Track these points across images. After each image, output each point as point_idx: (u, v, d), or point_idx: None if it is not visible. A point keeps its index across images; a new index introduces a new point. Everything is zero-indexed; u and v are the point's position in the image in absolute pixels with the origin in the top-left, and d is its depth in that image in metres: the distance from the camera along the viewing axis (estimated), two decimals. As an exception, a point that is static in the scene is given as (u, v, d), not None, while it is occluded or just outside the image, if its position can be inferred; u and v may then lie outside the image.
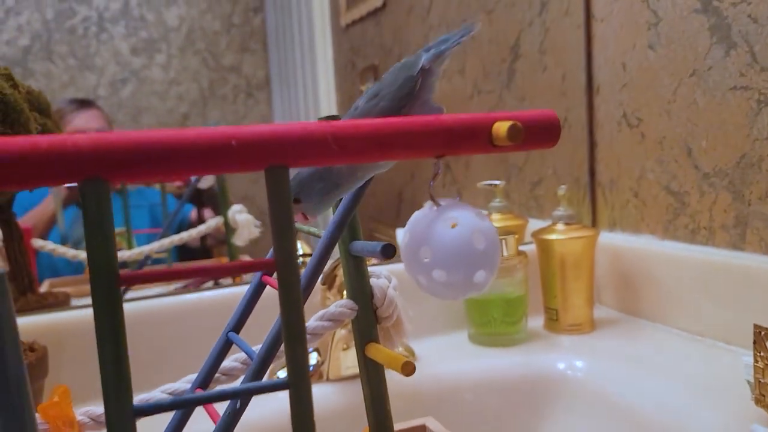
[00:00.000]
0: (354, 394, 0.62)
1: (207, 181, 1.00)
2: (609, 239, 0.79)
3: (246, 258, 0.96)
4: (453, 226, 0.25)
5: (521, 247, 0.75)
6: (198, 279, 0.93)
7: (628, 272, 0.77)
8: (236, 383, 0.38)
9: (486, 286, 0.26)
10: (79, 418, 0.37)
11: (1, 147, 0.21)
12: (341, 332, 0.63)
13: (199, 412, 0.39)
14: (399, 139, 0.26)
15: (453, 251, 0.25)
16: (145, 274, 0.23)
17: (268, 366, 0.34)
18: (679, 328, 0.70)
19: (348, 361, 0.64)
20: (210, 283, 0.92)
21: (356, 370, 0.65)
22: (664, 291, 0.72)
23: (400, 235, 0.86)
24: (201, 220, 0.97)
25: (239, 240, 0.91)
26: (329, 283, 0.64)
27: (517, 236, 0.71)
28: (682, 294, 0.69)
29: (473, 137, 0.27)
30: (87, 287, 0.83)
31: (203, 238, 0.99)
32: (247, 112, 1.20)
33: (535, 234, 0.75)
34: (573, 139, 0.84)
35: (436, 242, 0.25)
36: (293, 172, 0.29)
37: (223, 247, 0.99)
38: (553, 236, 0.73)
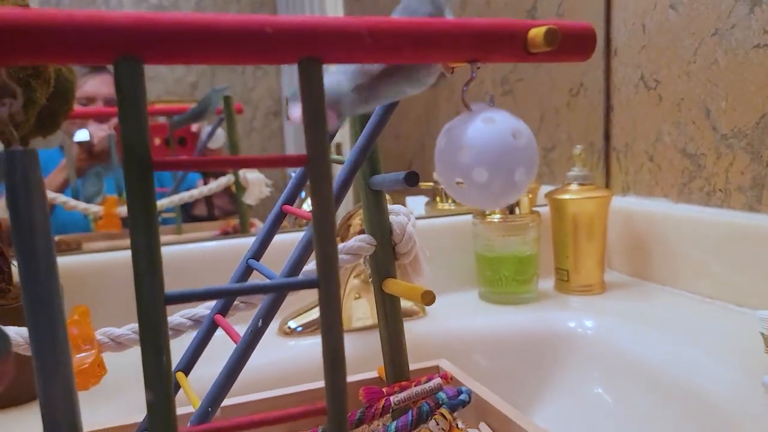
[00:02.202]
0: (366, 344, 0.62)
1: (217, 142, 0.99)
2: (622, 203, 0.79)
3: (256, 221, 0.96)
4: (490, 122, 0.25)
5: (534, 208, 0.75)
6: (216, 235, 0.93)
7: (640, 236, 0.76)
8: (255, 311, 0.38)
9: (525, 187, 0.26)
10: (98, 337, 0.37)
11: (36, 17, 0.21)
12: (354, 281, 0.63)
13: (217, 345, 0.39)
14: (434, 38, 0.26)
15: (493, 146, 0.25)
16: (176, 161, 0.23)
17: (299, 272, 0.34)
18: (690, 290, 0.70)
19: (359, 312, 0.64)
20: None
21: (368, 321, 0.65)
22: (676, 254, 0.71)
23: (411, 202, 0.86)
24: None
25: (249, 199, 0.90)
26: (343, 233, 0.64)
27: (530, 196, 0.71)
28: (695, 257, 0.69)
29: (509, 42, 0.27)
30: (95, 244, 0.83)
31: (211, 207, 0.99)
32: (256, 83, 1.19)
33: (549, 194, 0.75)
34: (589, 103, 0.84)
35: (475, 140, 0.25)
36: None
37: (230, 217, 0.98)
38: (566, 196, 0.72)
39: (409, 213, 0.45)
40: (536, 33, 0.26)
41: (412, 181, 0.37)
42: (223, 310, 0.39)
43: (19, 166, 0.21)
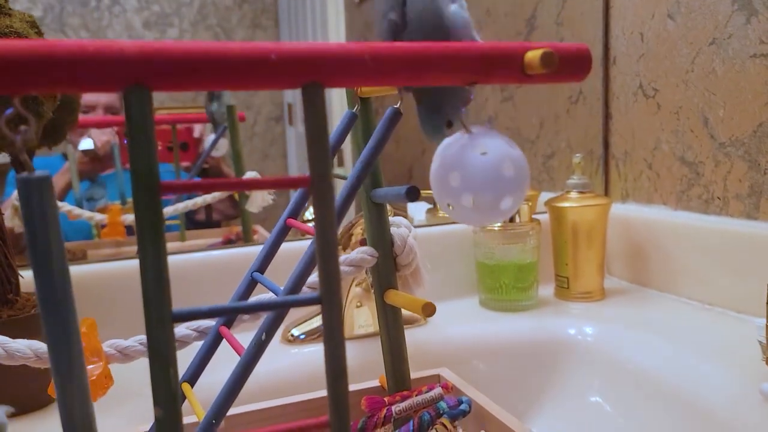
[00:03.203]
0: (367, 351, 0.62)
1: (219, 151, 1.00)
2: (621, 210, 0.80)
3: (259, 227, 0.96)
4: (483, 154, 0.26)
5: (534, 216, 0.75)
6: (213, 245, 0.94)
7: (639, 243, 0.77)
8: (261, 321, 0.39)
9: (512, 212, 0.27)
10: (105, 349, 0.37)
11: (49, 48, 0.22)
12: (356, 290, 0.64)
13: (221, 356, 0.40)
14: (434, 62, 0.26)
15: (482, 177, 0.26)
16: (184, 184, 0.24)
17: (302, 287, 0.35)
18: (689, 297, 0.71)
19: (361, 320, 0.65)
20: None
21: (369, 329, 0.66)
22: (675, 261, 0.72)
23: (413, 208, 0.86)
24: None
25: (252, 207, 0.91)
26: (345, 242, 0.65)
27: (530, 204, 0.72)
28: (694, 264, 0.70)
29: (506, 64, 0.28)
30: (99, 252, 0.83)
31: (210, 213, 1.00)
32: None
33: (549, 202, 0.76)
34: (588, 110, 0.84)
35: (466, 168, 0.26)
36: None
37: (231, 222, 0.99)
38: (566, 204, 0.73)
39: (409, 225, 0.46)
40: (533, 56, 0.27)
41: (412, 196, 0.37)
42: (228, 322, 0.39)
43: (35, 192, 0.22)
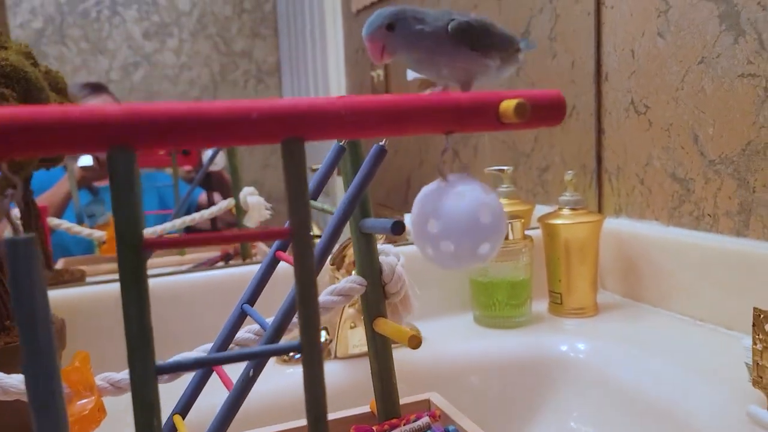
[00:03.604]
0: (361, 371, 0.63)
1: (218, 165, 1.01)
2: (614, 225, 0.80)
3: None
4: (460, 201, 0.27)
5: (527, 232, 0.76)
6: (209, 259, 0.95)
7: (633, 258, 0.77)
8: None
9: (490, 257, 0.28)
10: (98, 383, 0.38)
11: (35, 115, 0.23)
12: (349, 311, 0.65)
13: (213, 383, 0.41)
14: (410, 114, 0.27)
15: (460, 224, 0.26)
16: (168, 240, 0.25)
17: (282, 334, 0.35)
18: (682, 313, 0.71)
19: (355, 340, 0.65)
20: (220, 263, 0.94)
21: (363, 348, 0.66)
22: (667, 277, 0.73)
23: (408, 221, 0.87)
24: (211, 204, 0.99)
25: (250, 222, 0.92)
26: (338, 263, 0.65)
27: (523, 221, 0.72)
28: (686, 280, 0.70)
29: (481, 114, 0.28)
30: (100, 266, 0.85)
31: (213, 221, 1.00)
32: (258, 97, 1.21)
33: (541, 218, 0.76)
34: (581, 125, 0.85)
35: (444, 215, 0.27)
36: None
37: (233, 229, 1.00)
38: (558, 221, 0.74)
39: (398, 253, 0.46)
40: (507, 106, 0.28)
41: (397, 231, 0.38)
42: (219, 354, 0.40)
43: (21, 253, 0.23)
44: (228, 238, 0.25)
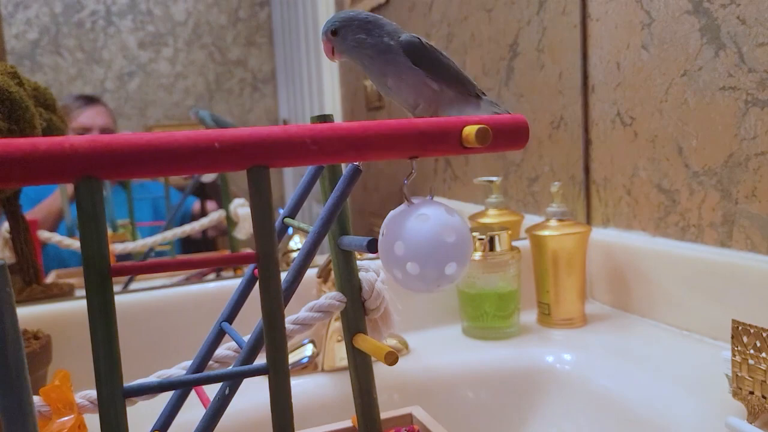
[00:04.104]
0: (348, 384, 0.63)
1: (210, 176, 1.02)
2: (602, 235, 0.81)
3: (249, 250, 0.98)
4: (424, 222, 0.27)
5: (516, 243, 0.77)
6: (200, 271, 0.96)
7: (621, 268, 0.78)
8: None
9: (458, 277, 0.28)
10: (78, 401, 0.39)
11: (4, 148, 0.23)
12: (335, 324, 0.65)
13: (193, 400, 0.41)
14: (374, 141, 0.28)
15: (424, 244, 0.27)
16: (133, 266, 0.25)
17: (257, 354, 0.36)
18: (668, 323, 0.72)
19: (342, 353, 0.66)
20: (212, 275, 0.94)
21: (350, 361, 0.67)
22: (654, 287, 0.73)
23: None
24: (204, 213, 1.00)
25: (240, 233, 0.93)
26: (325, 276, 0.66)
27: (510, 232, 0.73)
28: (672, 290, 0.71)
29: (444, 140, 0.29)
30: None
31: (204, 232, 1.01)
32: (253, 105, 1.22)
33: (529, 230, 0.77)
34: (569, 136, 0.86)
35: (408, 237, 0.27)
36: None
37: (226, 237, 1.01)
38: (546, 232, 0.74)
39: (378, 269, 0.47)
40: (469, 131, 0.29)
41: (372, 249, 0.39)
42: (197, 371, 0.41)
43: (-12, 282, 0.23)
44: (195, 263, 0.26)
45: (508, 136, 0.30)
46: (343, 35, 0.34)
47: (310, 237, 0.39)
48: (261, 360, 0.37)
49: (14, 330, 0.24)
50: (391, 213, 0.30)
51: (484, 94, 0.38)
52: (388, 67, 0.34)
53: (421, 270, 0.28)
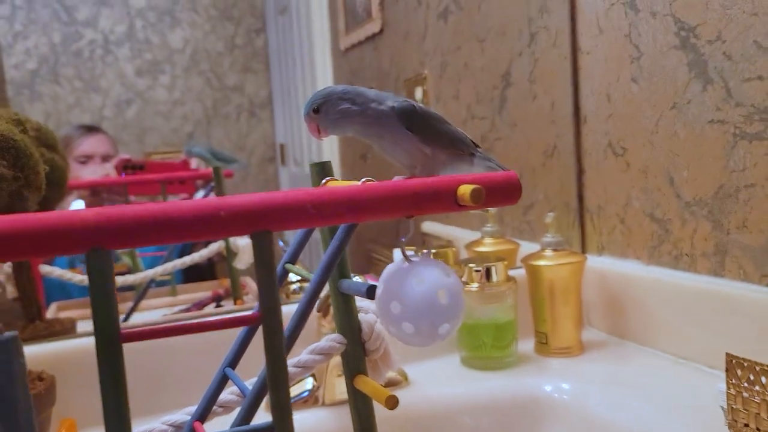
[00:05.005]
0: (348, 418, 0.64)
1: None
2: (597, 263, 0.82)
3: (248, 279, 0.99)
4: (420, 283, 0.28)
5: (512, 272, 0.77)
6: (199, 301, 0.96)
7: (616, 296, 0.79)
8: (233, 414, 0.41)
9: (450, 335, 0.29)
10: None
11: (13, 224, 0.24)
12: (336, 359, 0.66)
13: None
14: (370, 203, 0.29)
15: (420, 306, 0.28)
16: (143, 332, 0.26)
17: (259, 405, 0.37)
18: (665, 351, 0.73)
19: (342, 387, 0.66)
20: (211, 306, 0.95)
21: (350, 395, 0.67)
22: (650, 315, 0.74)
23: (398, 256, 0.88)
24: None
25: (240, 264, 0.93)
26: (324, 310, 0.67)
27: (506, 262, 0.74)
28: (667, 318, 0.72)
29: (440, 199, 0.30)
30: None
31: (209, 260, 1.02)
32: (250, 130, 1.24)
33: (525, 259, 0.78)
34: (562, 165, 0.87)
35: (405, 297, 0.28)
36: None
37: (225, 263, 1.01)
38: (541, 262, 0.75)
39: (377, 310, 0.48)
40: (464, 191, 0.30)
41: (372, 295, 0.40)
42: (201, 418, 0.41)
43: (2, 354, 0.24)
44: (201, 327, 0.27)
45: (501, 193, 0.31)
46: (325, 110, 0.36)
47: (311, 285, 0.40)
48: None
49: (26, 395, 0.25)
50: (389, 269, 0.31)
51: (477, 147, 0.40)
52: (384, 131, 0.35)
53: (416, 329, 0.29)
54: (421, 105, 0.37)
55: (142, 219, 0.25)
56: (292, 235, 0.45)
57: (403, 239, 0.30)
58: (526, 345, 0.79)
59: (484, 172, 0.31)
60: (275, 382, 0.28)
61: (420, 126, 0.35)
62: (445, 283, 0.29)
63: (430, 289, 0.28)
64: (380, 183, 0.29)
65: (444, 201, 0.30)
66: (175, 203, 0.26)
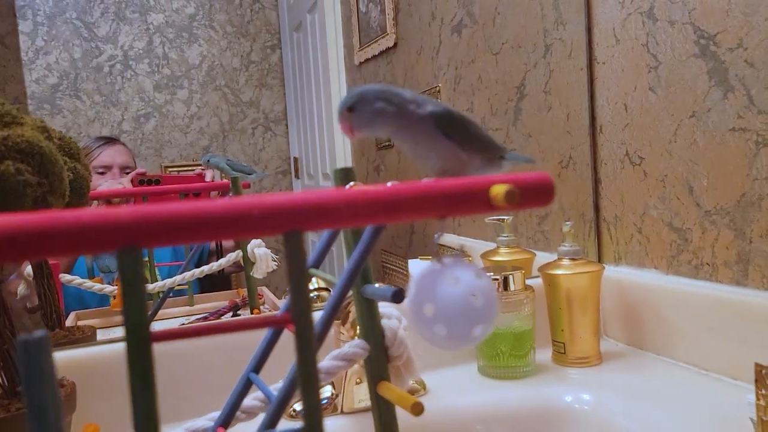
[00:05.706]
0: (367, 426, 0.63)
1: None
2: (615, 273, 0.81)
3: (264, 289, 0.99)
4: (454, 285, 0.28)
5: (529, 281, 0.77)
6: (218, 311, 0.96)
7: (634, 306, 0.78)
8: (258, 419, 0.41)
9: (484, 337, 0.29)
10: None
11: (49, 222, 0.24)
12: (355, 366, 0.65)
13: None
14: (404, 203, 0.29)
15: (454, 309, 0.28)
16: (173, 332, 0.26)
17: (285, 410, 0.36)
18: (685, 362, 0.72)
19: (361, 394, 0.66)
20: (229, 314, 0.95)
21: (369, 403, 0.67)
22: (669, 325, 0.73)
23: (413, 266, 0.88)
24: (220, 249, 1.01)
25: (258, 273, 0.93)
26: (343, 318, 0.66)
27: (523, 271, 0.73)
28: (687, 328, 0.71)
29: (472, 200, 0.30)
30: (112, 319, 0.86)
31: (221, 270, 1.02)
32: (265, 144, 1.24)
33: (542, 269, 0.77)
34: (578, 175, 0.87)
35: (438, 300, 0.28)
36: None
37: (241, 273, 1.01)
38: (559, 271, 0.75)
39: (400, 316, 0.48)
40: (497, 192, 0.29)
41: (398, 299, 0.39)
42: (225, 423, 0.41)
43: (33, 353, 0.24)
44: (230, 327, 0.27)
45: (534, 194, 0.31)
46: (360, 109, 0.35)
47: (336, 291, 0.40)
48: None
49: (54, 396, 0.25)
50: (421, 271, 0.30)
51: (506, 151, 0.39)
52: (420, 136, 0.35)
53: (449, 332, 0.29)
54: (455, 110, 0.37)
55: (176, 217, 0.25)
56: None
57: (437, 236, 0.30)
58: (544, 354, 0.78)
59: (516, 173, 0.30)
60: (307, 385, 0.28)
61: (459, 133, 0.35)
62: (479, 285, 0.28)
63: (466, 290, 0.28)
64: (412, 183, 0.29)
65: (477, 202, 0.30)
66: (209, 202, 0.26)
